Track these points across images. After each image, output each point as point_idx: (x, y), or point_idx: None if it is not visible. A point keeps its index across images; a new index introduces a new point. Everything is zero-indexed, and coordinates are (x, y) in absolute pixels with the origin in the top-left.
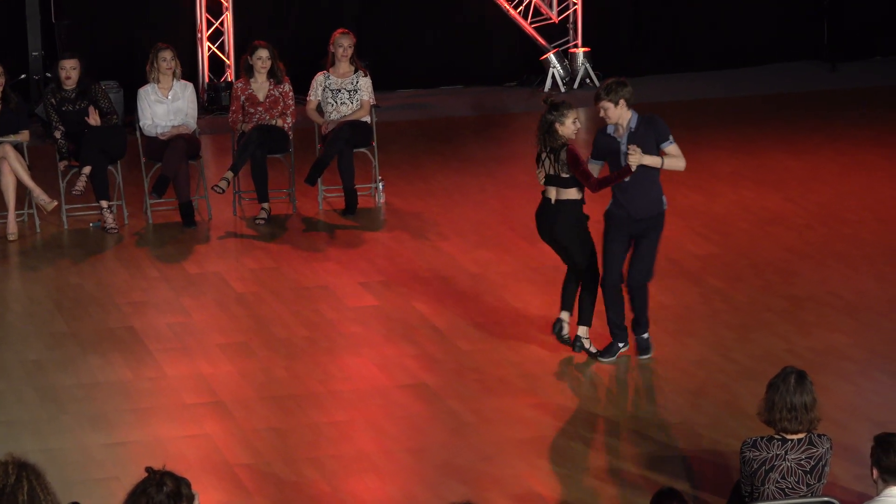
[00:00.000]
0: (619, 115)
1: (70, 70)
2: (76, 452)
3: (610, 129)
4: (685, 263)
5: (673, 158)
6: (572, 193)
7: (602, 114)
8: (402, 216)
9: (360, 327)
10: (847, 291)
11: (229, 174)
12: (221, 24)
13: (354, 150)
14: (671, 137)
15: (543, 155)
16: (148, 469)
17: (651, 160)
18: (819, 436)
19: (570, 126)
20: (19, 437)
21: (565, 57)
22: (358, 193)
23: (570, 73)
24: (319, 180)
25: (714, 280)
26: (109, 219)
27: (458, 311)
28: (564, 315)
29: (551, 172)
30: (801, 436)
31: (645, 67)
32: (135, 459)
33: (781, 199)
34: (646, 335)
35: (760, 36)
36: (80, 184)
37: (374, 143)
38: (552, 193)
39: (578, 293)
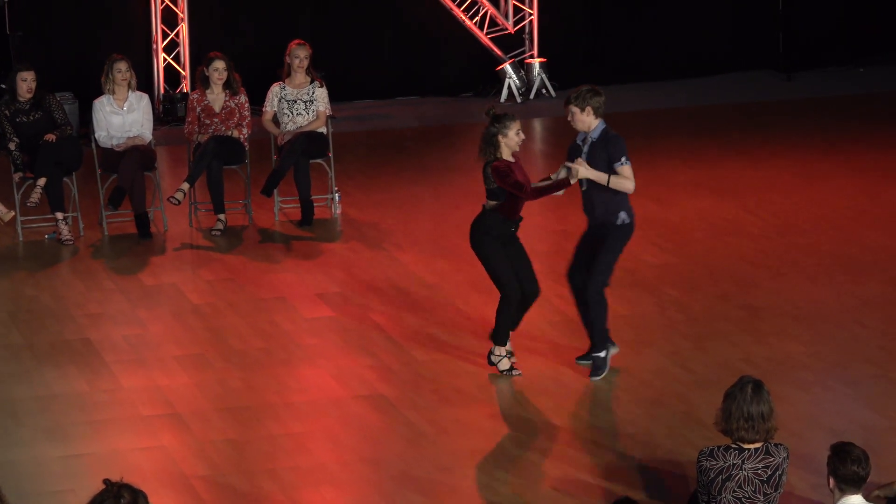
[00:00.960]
0: (585, 122)
1: (31, 82)
2: (32, 465)
3: (580, 138)
4: (641, 273)
5: (620, 179)
6: (492, 205)
7: (569, 118)
8: (358, 227)
9: (317, 338)
10: (803, 301)
11: (185, 185)
12: (177, 35)
13: (310, 161)
14: (623, 158)
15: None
16: (105, 481)
17: (595, 175)
18: (776, 445)
19: (513, 137)
20: None
21: (521, 67)
22: (314, 204)
23: (527, 83)
24: (276, 191)
25: (670, 290)
26: (65, 230)
27: (414, 322)
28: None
29: (485, 184)
30: (757, 445)
31: (601, 78)
32: (91, 472)
33: (738, 208)
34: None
35: (716, 46)
36: (36, 195)
37: (331, 154)
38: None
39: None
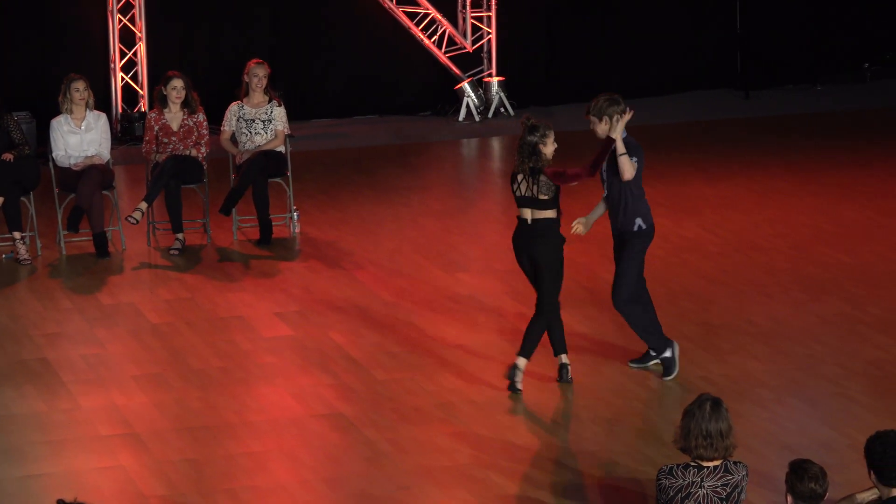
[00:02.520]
0: (604, 131)
1: None
2: None
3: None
4: (601, 292)
5: (627, 161)
6: (550, 213)
7: (591, 126)
8: (317, 246)
9: (276, 357)
10: (762, 319)
11: (143, 205)
12: (135, 54)
13: (269, 180)
14: (634, 159)
15: (521, 177)
16: (60, 501)
17: (620, 141)
18: (735, 463)
19: (551, 147)
20: None
21: (480, 86)
22: (273, 223)
23: (485, 102)
24: (234, 210)
25: None
26: (22, 250)
27: (373, 341)
28: (521, 362)
29: (528, 195)
30: (716, 463)
31: (559, 97)
32: (49, 492)
33: (696, 226)
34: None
35: (675, 64)
36: None
37: (289, 173)
38: (528, 214)
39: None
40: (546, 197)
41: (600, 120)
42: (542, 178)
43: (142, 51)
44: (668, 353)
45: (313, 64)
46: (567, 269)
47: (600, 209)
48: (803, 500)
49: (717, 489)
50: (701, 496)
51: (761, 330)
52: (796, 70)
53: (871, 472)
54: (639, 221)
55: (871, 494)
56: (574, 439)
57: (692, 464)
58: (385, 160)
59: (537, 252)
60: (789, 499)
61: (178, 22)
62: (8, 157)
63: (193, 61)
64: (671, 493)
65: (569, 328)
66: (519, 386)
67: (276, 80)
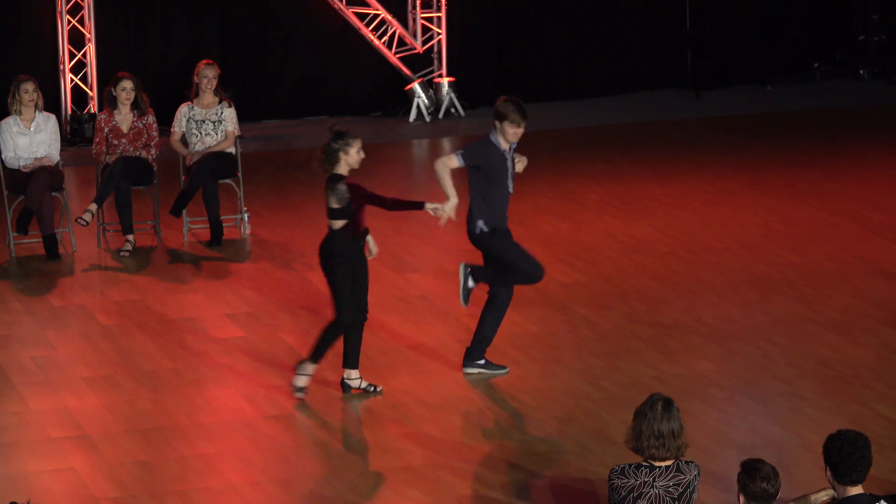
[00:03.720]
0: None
1: None
2: None
3: (500, 145)
4: (551, 292)
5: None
6: (337, 224)
7: (517, 133)
8: (267, 247)
9: (227, 359)
10: (713, 318)
11: (93, 206)
12: (84, 55)
13: (219, 182)
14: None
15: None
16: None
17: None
18: (687, 463)
19: (354, 156)
20: None
21: (430, 87)
22: (223, 224)
23: (436, 102)
24: (184, 212)
25: (581, 308)
26: None
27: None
28: (354, 373)
29: (328, 203)
30: (668, 463)
31: (509, 97)
32: (0, 494)
33: (647, 226)
34: None
35: (625, 64)
36: None
37: (239, 174)
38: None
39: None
40: (336, 206)
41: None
42: (341, 187)
43: (91, 52)
44: (482, 362)
45: (263, 65)
46: None
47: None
48: (756, 500)
49: (670, 489)
50: (653, 496)
51: (712, 329)
52: (746, 70)
53: (828, 470)
54: (480, 224)
55: (825, 495)
56: (526, 440)
57: (644, 464)
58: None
59: (320, 262)
60: (741, 498)
61: (127, 23)
62: None
63: (143, 62)
64: (623, 493)
65: (520, 328)
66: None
67: (227, 82)
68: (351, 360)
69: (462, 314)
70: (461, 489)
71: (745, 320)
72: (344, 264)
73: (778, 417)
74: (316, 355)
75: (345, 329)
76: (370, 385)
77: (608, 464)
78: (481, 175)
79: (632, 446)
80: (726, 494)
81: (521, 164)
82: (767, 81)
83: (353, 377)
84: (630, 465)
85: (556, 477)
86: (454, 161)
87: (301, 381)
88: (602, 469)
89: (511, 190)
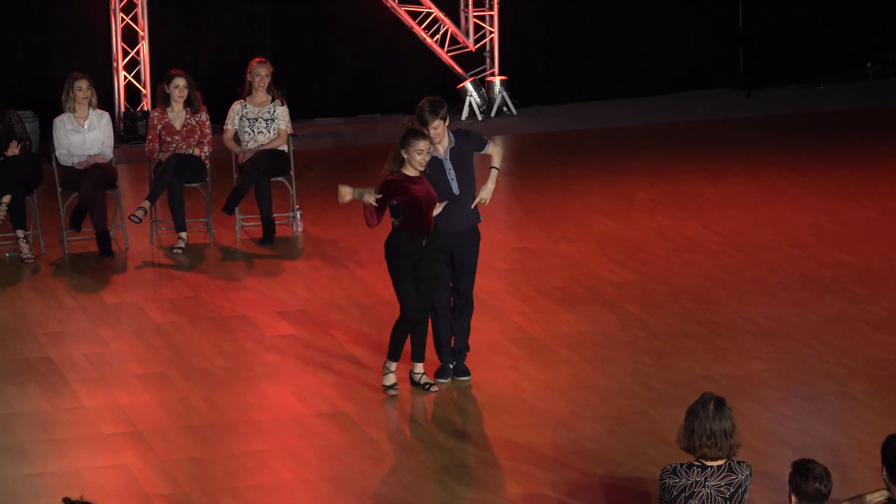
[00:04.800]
0: (445, 132)
1: None
2: None
3: (430, 151)
4: (602, 291)
5: (497, 156)
6: (395, 223)
7: (433, 133)
8: (319, 245)
9: (279, 356)
10: (764, 318)
11: (146, 203)
12: (137, 53)
13: (272, 179)
14: (486, 139)
15: None
16: (65, 500)
17: (491, 185)
18: (738, 462)
19: (414, 156)
20: None
21: (482, 85)
22: (275, 222)
23: (487, 101)
24: (237, 209)
25: (632, 307)
26: (26, 248)
27: (375, 340)
28: (419, 367)
29: None
30: (720, 462)
31: (562, 95)
32: (53, 491)
33: (698, 225)
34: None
35: (677, 64)
36: (1, 213)
37: (292, 172)
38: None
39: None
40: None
41: (445, 121)
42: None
43: (144, 50)
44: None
45: (316, 63)
46: (568, 268)
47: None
48: (808, 501)
49: (721, 489)
50: (704, 496)
51: (763, 329)
52: (799, 69)
53: (884, 470)
54: (479, 216)
55: (880, 495)
56: (577, 439)
57: (696, 463)
58: (387, 159)
59: (385, 259)
60: (794, 499)
61: (180, 21)
62: (14, 150)
63: (196, 60)
64: (675, 493)
65: (571, 327)
66: (386, 382)
67: (279, 80)
68: (416, 354)
69: (512, 312)
70: (511, 487)
71: (796, 320)
72: (402, 262)
73: (829, 417)
74: (392, 353)
75: (410, 325)
76: (428, 382)
77: (659, 463)
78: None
79: (684, 445)
80: (777, 494)
81: (484, 191)
82: (820, 80)
83: (418, 370)
84: (682, 465)
85: (607, 476)
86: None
87: (388, 380)
88: (653, 468)
89: (456, 191)
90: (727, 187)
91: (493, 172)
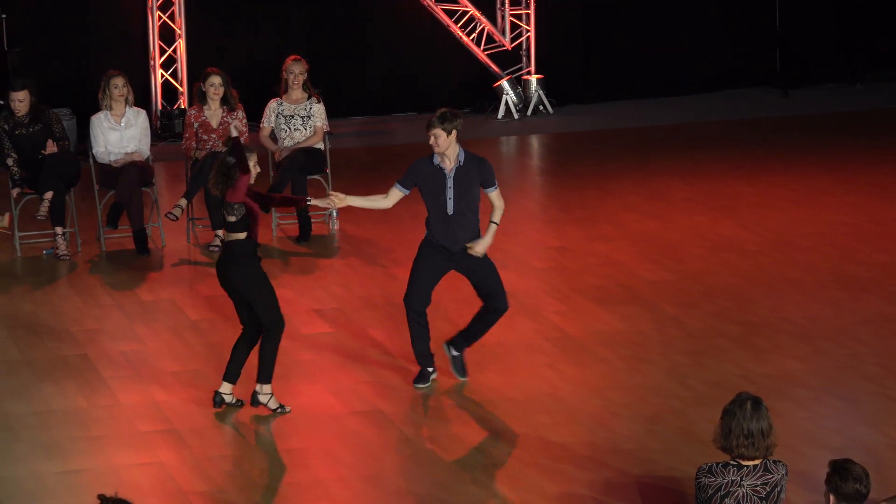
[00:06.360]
0: (449, 145)
1: (18, 103)
2: (29, 480)
3: (436, 160)
4: (639, 289)
5: (499, 210)
6: (241, 235)
7: (432, 141)
8: (356, 243)
9: (315, 354)
10: (801, 317)
11: (183, 201)
12: (174, 51)
13: (308, 177)
14: (496, 183)
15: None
16: (100, 496)
17: (488, 240)
18: (774, 462)
19: (252, 169)
20: None
21: (519, 84)
22: (312, 220)
23: (524, 100)
24: (273, 207)
25: (668, 306)
26: (63, 246)
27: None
28: (226, 387)
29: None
30: (756, 462)
31: (598, 94)
32: (88, 487)
33: (735, 225)
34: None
35: (713, 63)
36: (44, 209)
37: (328, 170)
38: (224, 235)
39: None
40: (233, 219)
41: (448, 134)
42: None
43: (181, 48)
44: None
45: (352, 61)
46: (605, 267)
47: (367, 202)
48: (847, 501)
49: (757, 488)
50: (740, 495)
51: (800, 329)
52: (836, 68)
53: None
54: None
55: None
56: (613, 438)
57: (732, 463)
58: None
59: (235, 279)
60: (831, 499)
61: (216, 19)
62: (52, 148)
63: (232, 58)
64: (710, 492)
65: (608, 326)
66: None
67: (315, 78)
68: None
69: (549, 311)
70: (547, 486)
71: (833, 319)
72: (262, 274)
73: (866, 417)
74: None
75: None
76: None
77: (695, 462)
78: (424, 193)
79: (720, 445)
80: (814, 494)
81: (479, 245)
82: (857, 80)
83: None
84: (718, 464)
85: (643, 475)
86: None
87: (273, 402)
88: (689, 467)
89: (449, 211)
90: (764, 187)
91: (492, 227)
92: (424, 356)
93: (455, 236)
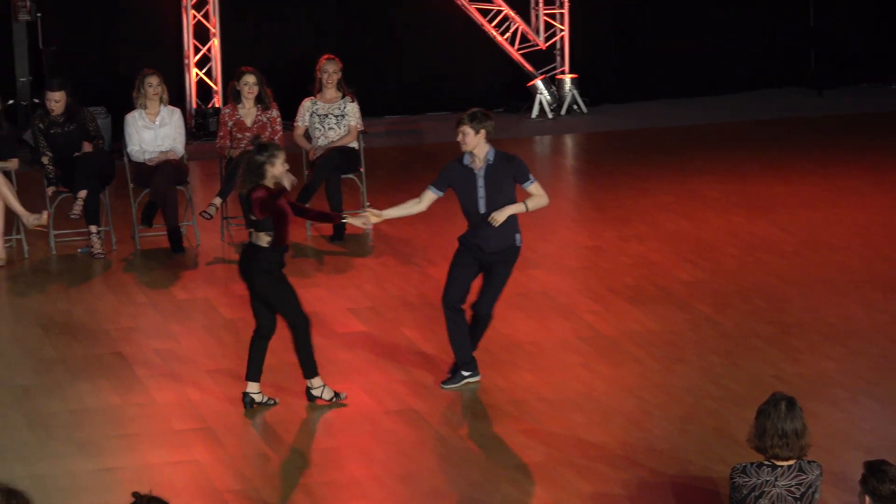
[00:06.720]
0: (477, 144)
1: (54, 103)
2: (64, 478)
3: (466, 160)
4: (673, 289)
5: (536, 198)
6: (261, 238)
7: (460, 138)
8: (390, 242)
9: (349, 353)
10: (835, 318)
11: (217, 200)
12: (209, 50)
13: (342, 176)
14: (531, 177)
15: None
16: (134, 494)
17: (514, 209)
18: (809, 462)
19: (279, 167)
20: (7, 463)
21: (553, 83)
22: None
23: (558, 99)
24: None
25: (702, 306)
26: (97, 244)
27: (445, 337)
28: (253, 387)
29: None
30: (791, 462)
31: (632, 94)
32: (122, 485)
33: (769, 225)
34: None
35: (747, 63)
36: (78, 208)
37: (362, 169)
38: (251, 236)
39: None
40: (255, 217)
41: (476, 132)
42: (250, 199)
43: (216, 46)
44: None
45: (386, 60)
46: (639, 267)
47: (402, 210)
48: (883, 502)
49: (791, 488)
50: (775, 495)
51: (835, 329)
52: (870, 68)
53: None
54: (518, 236)
55: None
56: (647, 437)
57: (766, 463)
58: (457, 157)
59: (255, 280)
60: (867, 500)
61: (250, 18)
62: (87, 147)
63: (266, 57)
64: (745, 492)
65: (642, 326)
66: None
67: (349, 77)
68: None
69: (583, 310)
70: (582, 486)
71: (867, 320)
72: (280, 279)
73: None
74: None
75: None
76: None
77: (729, 462)
78: (458, 193)
79: (754, 445)
80: (848, 495)
81: (499, 213)
82: (891, 80)
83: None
84: (752, 464)
85: (678, 475)
86: (429, 194)
87: (327, 393)
88: (723, 467)
89: (482, 210)
90: (798, 187)
91: (519, 205)
92: (463, 360)
93: (486, 239)
